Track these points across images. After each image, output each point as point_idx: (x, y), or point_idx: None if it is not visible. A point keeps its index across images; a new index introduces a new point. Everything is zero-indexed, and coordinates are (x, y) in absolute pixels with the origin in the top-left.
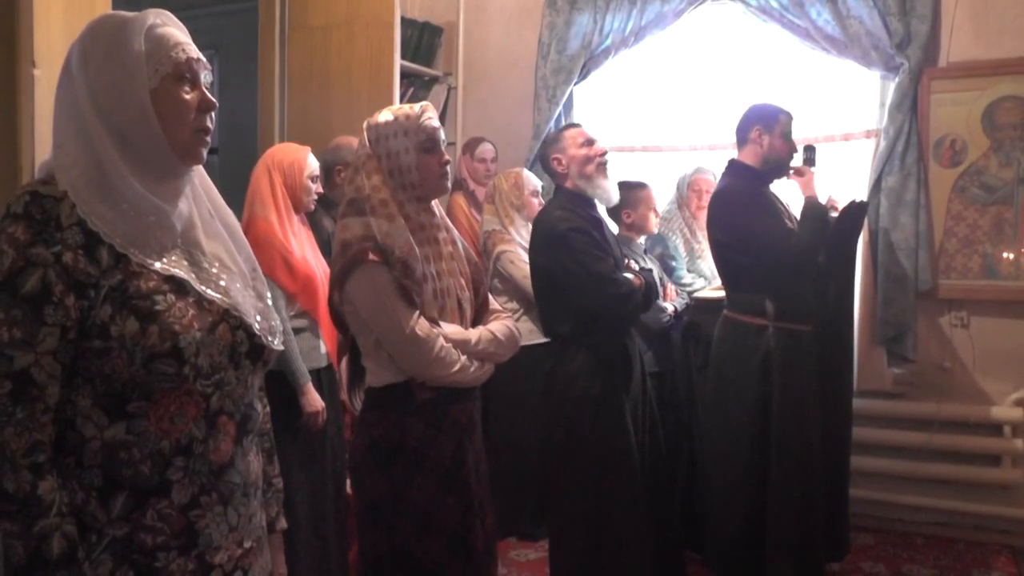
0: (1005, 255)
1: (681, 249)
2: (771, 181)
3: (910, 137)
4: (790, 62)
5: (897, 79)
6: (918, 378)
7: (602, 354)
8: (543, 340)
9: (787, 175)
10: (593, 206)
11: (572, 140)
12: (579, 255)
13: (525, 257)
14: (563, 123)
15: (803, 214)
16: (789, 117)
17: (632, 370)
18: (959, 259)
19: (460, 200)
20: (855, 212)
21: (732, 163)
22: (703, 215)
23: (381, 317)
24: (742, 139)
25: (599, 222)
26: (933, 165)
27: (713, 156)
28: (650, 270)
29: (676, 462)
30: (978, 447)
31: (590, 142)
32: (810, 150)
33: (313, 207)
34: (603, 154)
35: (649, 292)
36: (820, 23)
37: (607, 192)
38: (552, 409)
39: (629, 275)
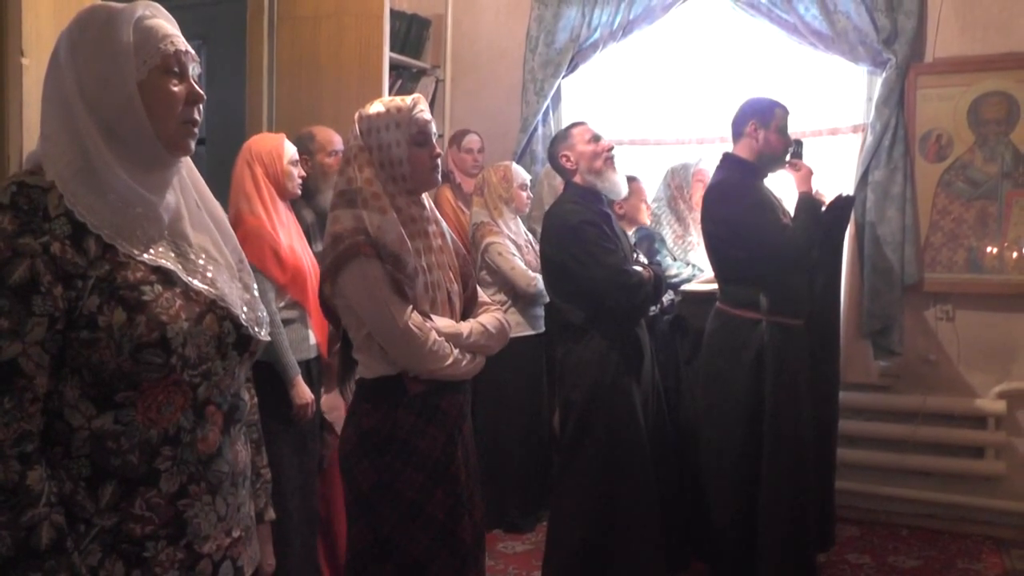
0: (989, 249)
1: (670, 242)
2: (766, 175)
3: (896, 132)
4: (778, 57)
5: (884, 74)
6: (904, 371)
7: (614, 343)
8: (530, 332)
9: (784, 168)
10: (602, 201)
11: (579, 137)
12: (591, 246)
13: (513, 249)
14: (551, 116)
15: (798, 209)
16: (785, 112)
17: (643, 359)
18: (944, 253)
19: (447, 192)
20: (842, 206)
21: (726, 157)
22: None
23: (374, 311)
24: (737, 133)
25: (608, 216)
26: (919, 160)
27: (701, 150)
28: (658, 263)
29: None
30: (962, 439)
31: (597, 138)
32: (797, 145)
33: (299, 192)
34: (610, 149)
35: (659, 284)
36: (808, 18)
37: (616, 185)
38: (563, 396)
39: (639, 267)
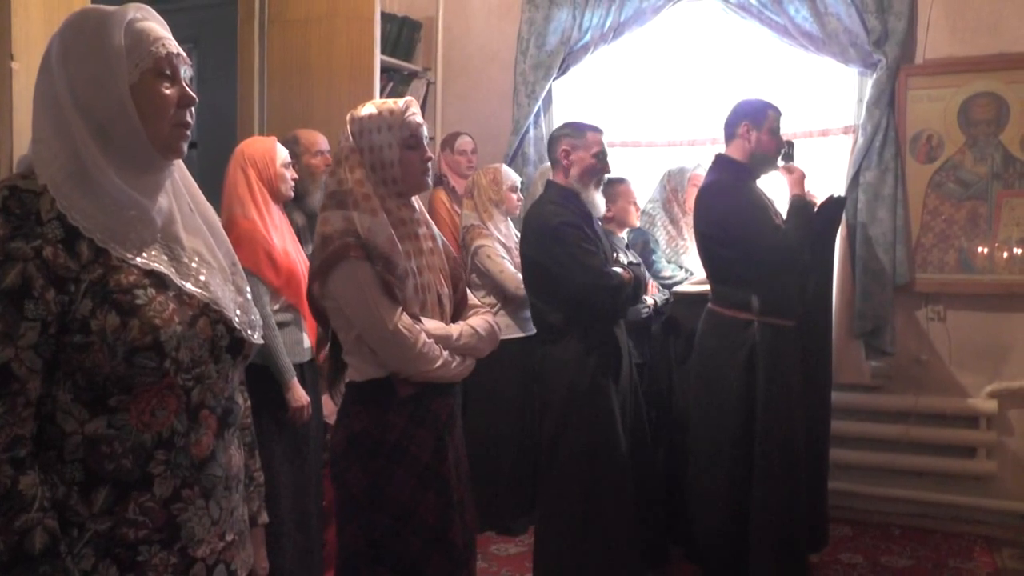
0: (980, 249)
1: (663, 243)
2: (758, 176)
3: (887, 133)
4: (768, 58)
5: (874, 75)
6: (895, 371)
7: (593, 344)
8: (520, 334)
9: (777, 168)
10: (583, 202)
11: (590, 147)
12: (571, 248)
13: (503, 252)
14: (542, 118)
15: (790, 211)
16: (777, 113)
17: (621, 361)
18: (935, 253)
19: (442, 196)
20: (833, 207)
21: (719, 158)
22: None
23: (364, 313)
24: (730, 134)
25: (589, 217)
26: (910, 160)
27: (693, 152)
28: (639, 264)
29: (657, 453)
30: (954, 439)
31: (603, 157)
32: (789, 146)
33: (292, 194)
34: (606, 172)
35: (638, 286)
36: (798, 20)
37: (596, 205)
38: (542, 397)
39: (618, 269)
